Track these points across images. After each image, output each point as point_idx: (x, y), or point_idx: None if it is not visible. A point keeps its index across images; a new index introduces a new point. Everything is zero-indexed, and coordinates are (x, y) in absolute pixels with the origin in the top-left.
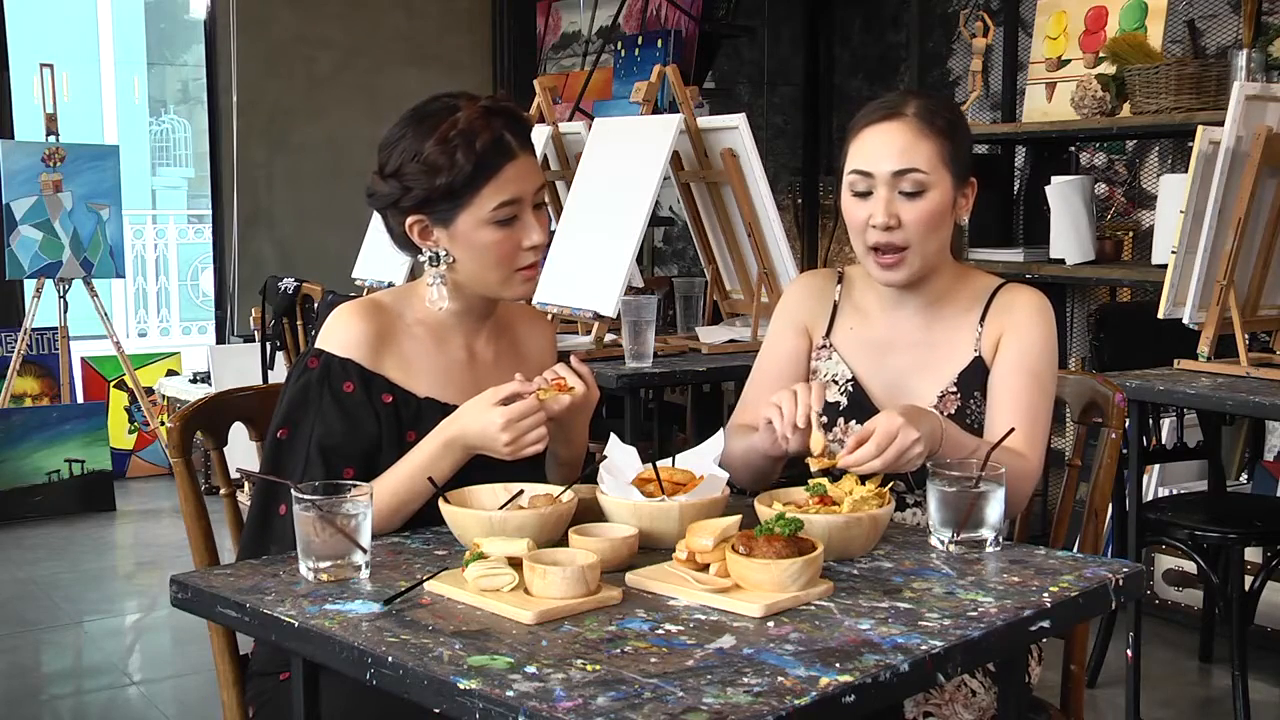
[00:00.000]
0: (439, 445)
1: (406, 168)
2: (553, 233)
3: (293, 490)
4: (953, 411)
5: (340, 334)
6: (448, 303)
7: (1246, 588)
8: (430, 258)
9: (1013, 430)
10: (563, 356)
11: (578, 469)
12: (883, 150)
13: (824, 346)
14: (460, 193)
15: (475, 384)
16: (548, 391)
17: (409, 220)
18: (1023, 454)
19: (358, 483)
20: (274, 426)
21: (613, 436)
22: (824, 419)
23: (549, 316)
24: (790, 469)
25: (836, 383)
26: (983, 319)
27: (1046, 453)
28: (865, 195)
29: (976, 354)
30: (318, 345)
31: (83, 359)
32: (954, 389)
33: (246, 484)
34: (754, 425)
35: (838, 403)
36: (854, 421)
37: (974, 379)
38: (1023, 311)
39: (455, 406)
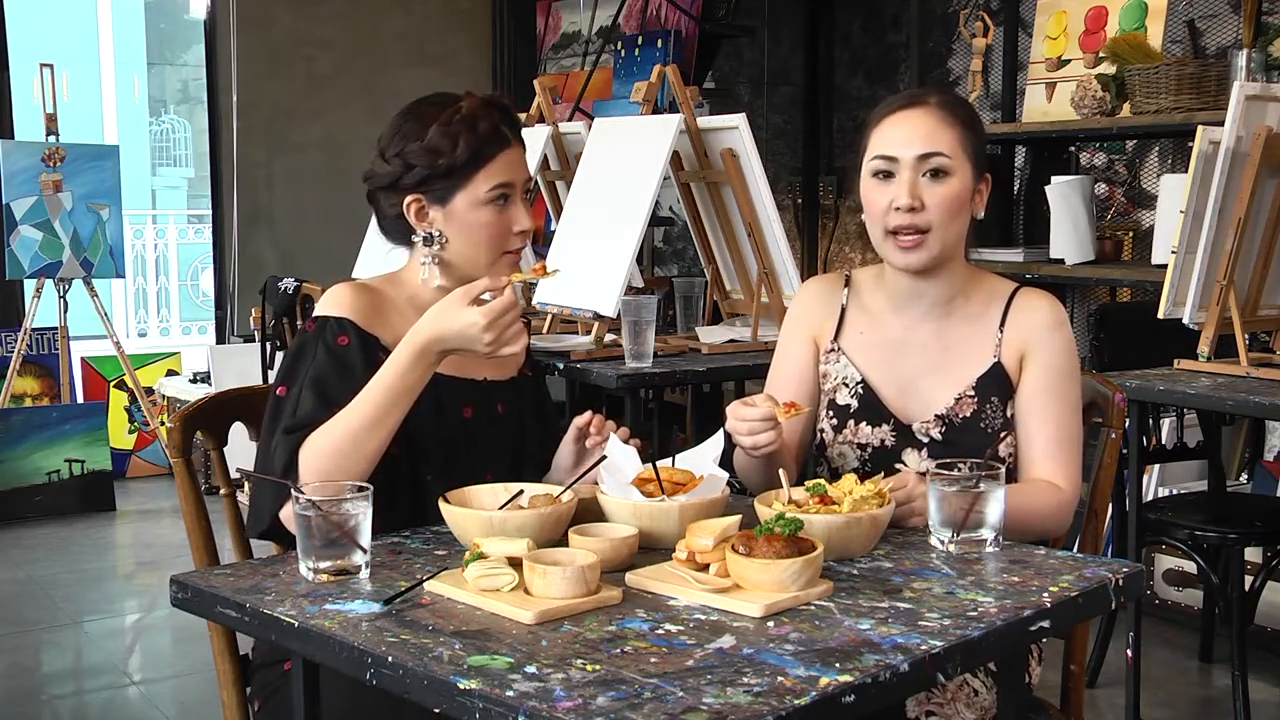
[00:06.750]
0: (412, 355)
1: (409, 148)
2: (552, 232)
3: (292, 490)
4: (968, 414)
5: (337, 301)
6: (439, 281)
7: (1246, 588)
8: (424, 238)
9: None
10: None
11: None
12: (908, 135)
13: (832, 350)
14: (458, 174)
15: (461, 358)
16: (520, 275)
17: (408, 199)
18: (1059, 487)
19: (357, 482)
20: (273, 387)
21: (613, 436)
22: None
23: (549, 317)
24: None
25: (847, 385)
26: (1002, 324)
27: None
28: (888, 180)
29: (996, 359)
30: (314, 314)
31: (83, 359)
32: (971, 392)
33: (246, 484)
34: None
35: (848, 405)
36: (864, 423)
37: (993, 385)
38: (1043, 329)
39: (446, 375)
